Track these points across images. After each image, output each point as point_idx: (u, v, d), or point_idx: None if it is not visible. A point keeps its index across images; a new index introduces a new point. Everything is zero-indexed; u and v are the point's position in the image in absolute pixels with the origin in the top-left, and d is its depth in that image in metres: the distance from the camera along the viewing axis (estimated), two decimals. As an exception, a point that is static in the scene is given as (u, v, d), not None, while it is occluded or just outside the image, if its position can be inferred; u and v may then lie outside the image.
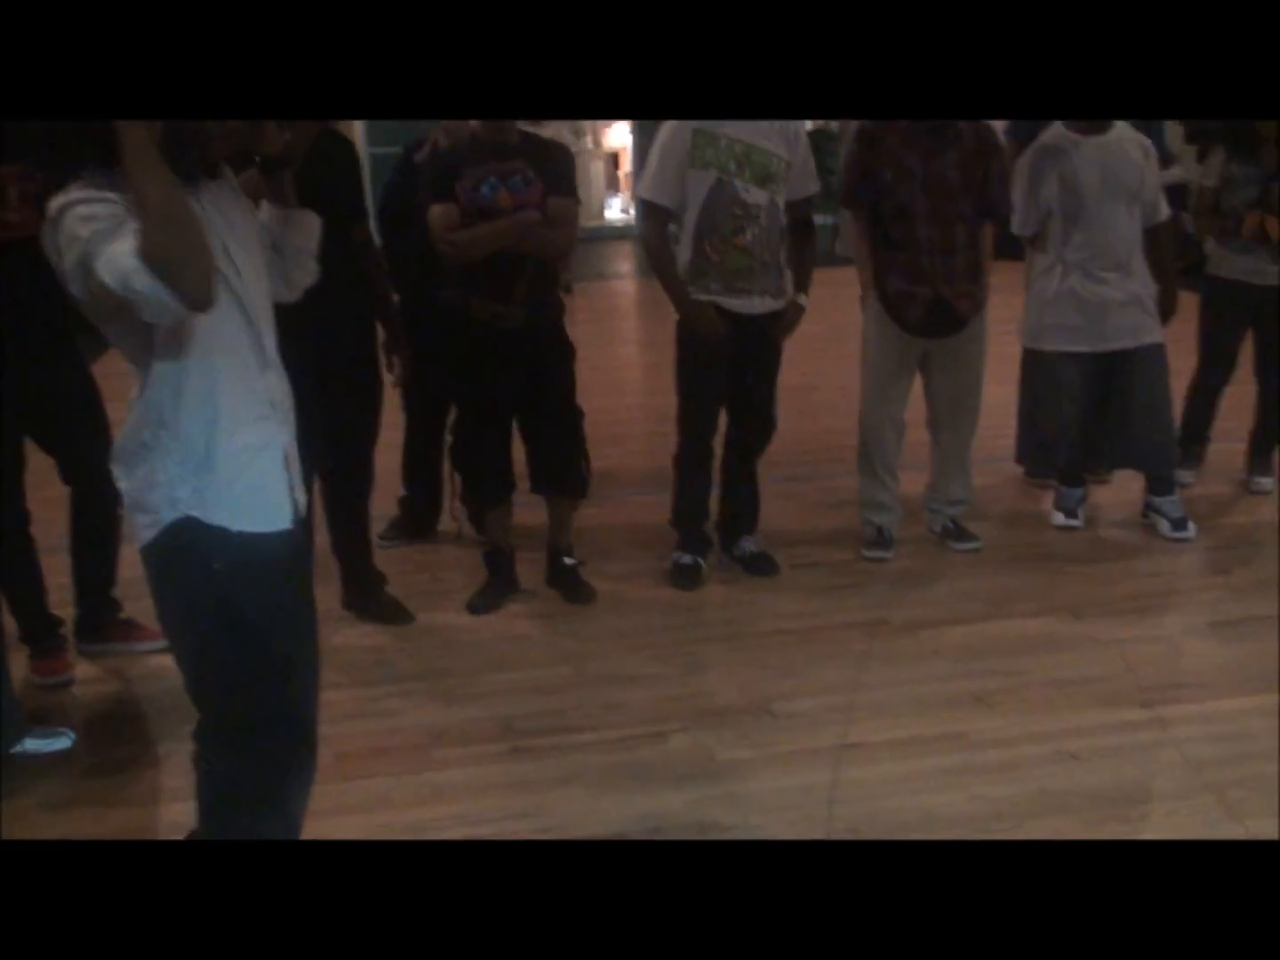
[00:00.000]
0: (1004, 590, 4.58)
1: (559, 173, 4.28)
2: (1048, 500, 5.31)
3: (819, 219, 5.03)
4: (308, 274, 2.61)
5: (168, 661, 4.07)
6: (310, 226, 2.58)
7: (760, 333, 4.52)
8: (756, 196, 4.40)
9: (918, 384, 4.89)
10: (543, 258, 4.25)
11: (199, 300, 2.07)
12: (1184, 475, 5.38)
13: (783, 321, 4.57)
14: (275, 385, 2.40)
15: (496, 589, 4.55)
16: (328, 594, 4.36)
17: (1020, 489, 5.67)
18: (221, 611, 2.33)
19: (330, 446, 4.11)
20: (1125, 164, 4.79)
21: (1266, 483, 5.51)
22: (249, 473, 2.32)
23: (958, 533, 4.98)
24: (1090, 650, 4.06)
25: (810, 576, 4.75)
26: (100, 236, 2.07)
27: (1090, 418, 4.98)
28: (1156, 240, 4.92)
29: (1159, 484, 5.10)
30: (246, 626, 2.35)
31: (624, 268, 13.17)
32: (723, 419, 4.72)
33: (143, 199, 2.02)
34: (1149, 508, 5.14)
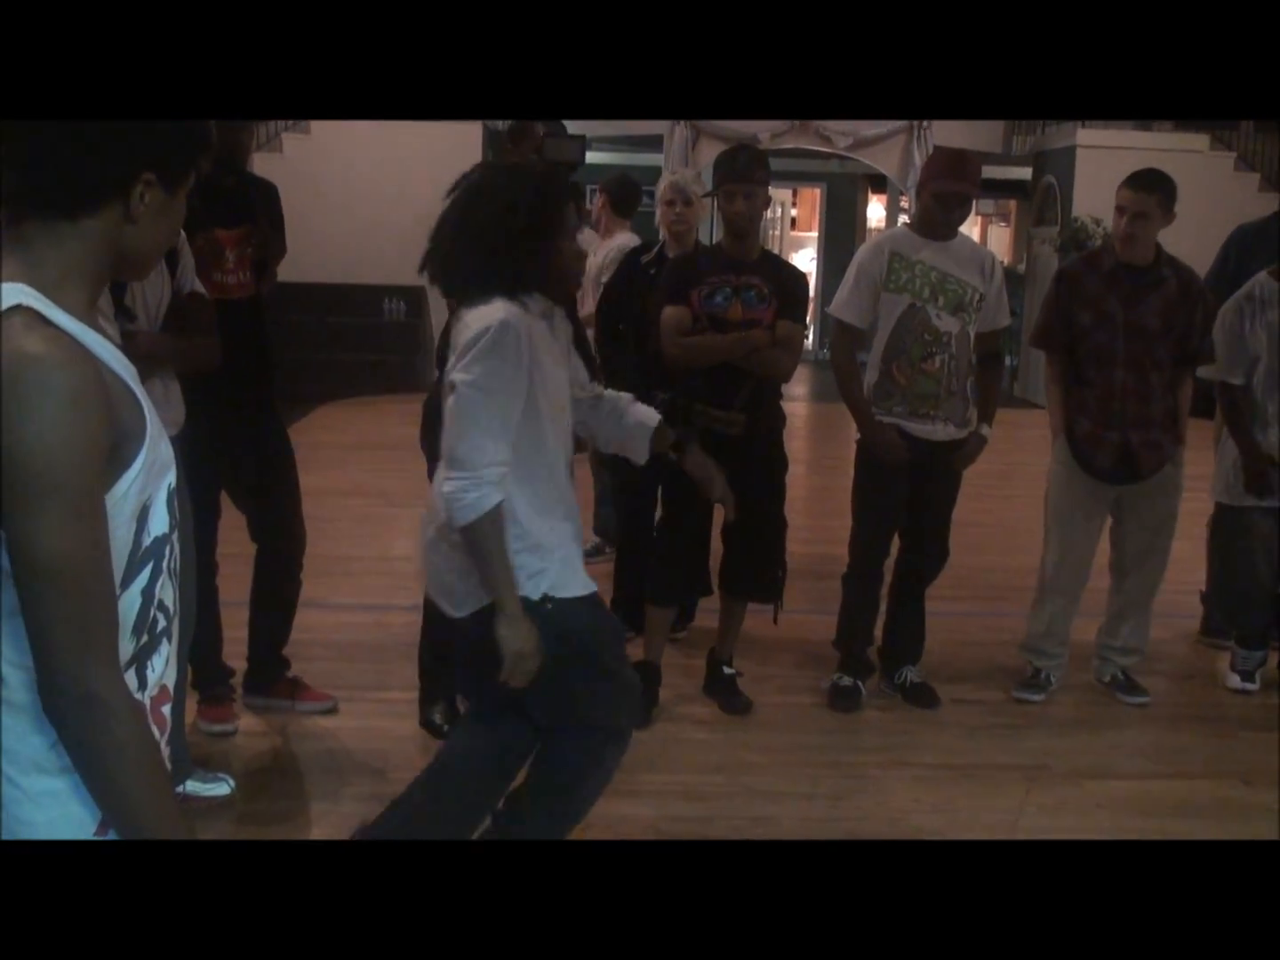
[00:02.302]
0: (1171, 748, 4.43)
1: (794, 296, 4.38)
2: (1222, 660, 5.14)
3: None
4: None
5: (327, 723, 4.22)
6: None
7: (941, 460, 4.50)
8: (948, 324, 4.41)
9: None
10: (763, 376, 4.31)
11: None
12: None
13: (964, 451, 4.54)
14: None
15: (645, 703, 4.40)
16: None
17: (1194, 646, 5.50)
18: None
19: None
20: None
21: None
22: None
23: (1127, 685, 4.83)
24: (1260, 820, 3.88)
25: (970, 713, 4.66)
26: (476, 446, 2.66)
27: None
28: None
29: None
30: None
31: (799, 390, 13.24)
32: (895, 544, 4.69)
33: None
34: None
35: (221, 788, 3.68)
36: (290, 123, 12.34)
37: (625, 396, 3.13)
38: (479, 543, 2.69)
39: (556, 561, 2.82)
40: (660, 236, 5.08)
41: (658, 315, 4.34)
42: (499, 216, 2.70)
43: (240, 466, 4.02)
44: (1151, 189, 4.44)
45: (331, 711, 4.30)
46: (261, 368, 4.08)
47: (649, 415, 3.09)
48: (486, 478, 2.64)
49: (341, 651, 4.88)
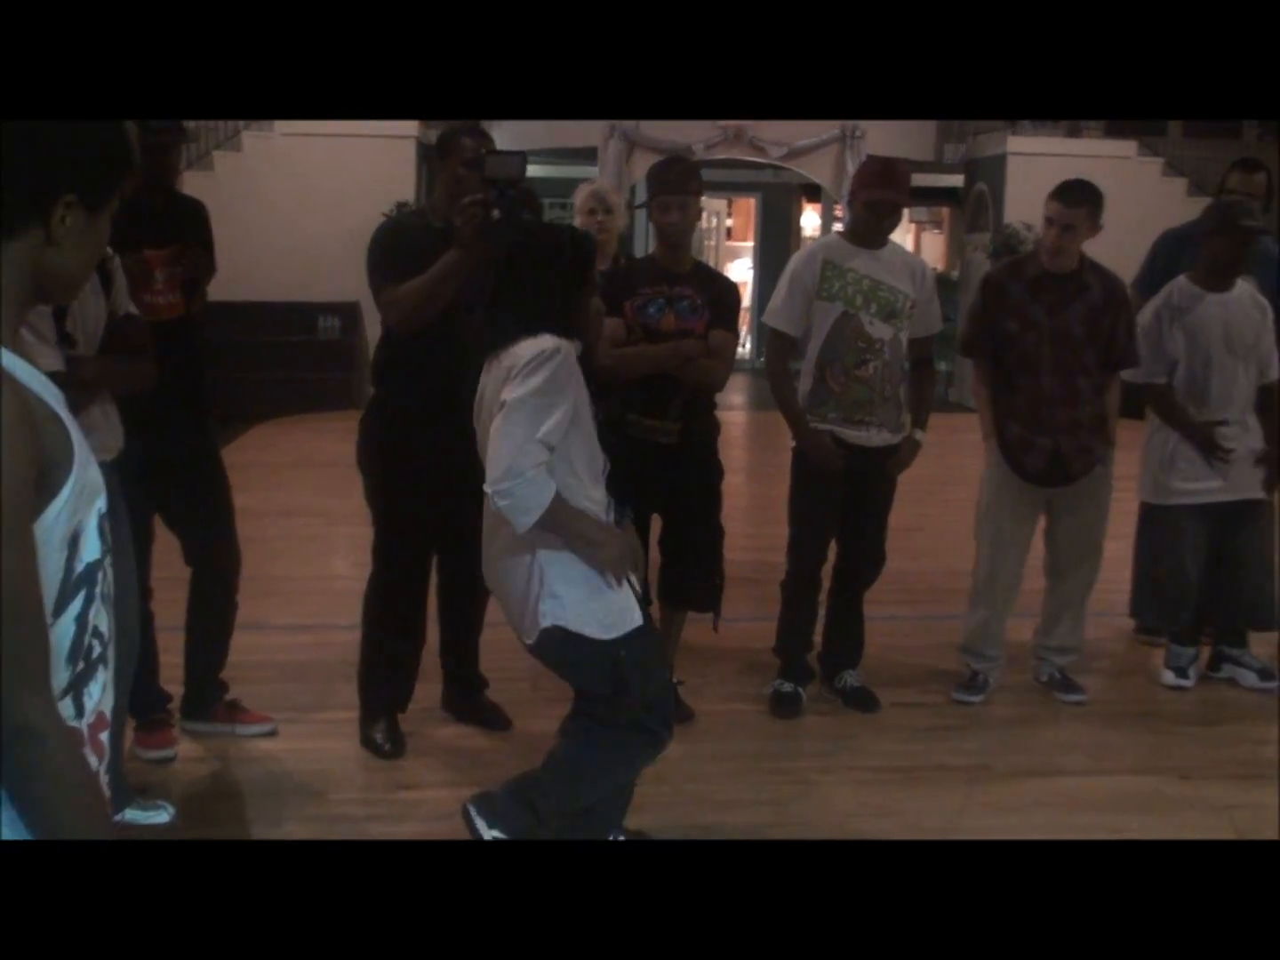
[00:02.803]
0: (1109, 745, 4.48)
1: (725, 305, 4.40)
2: (1158, 657, 5.20)
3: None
4: None
5: (267, 745, 4.18)
6: None
7: (876, 466, 4.53)
8: (881, 331, 4.44)
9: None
10: (697, 385, 4.32)
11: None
12: None
13: (899, 456, 4.58)
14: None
15: None
16: (431, 693, 4.40)
17: (1129, 644, 5.56)
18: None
19: (450, 552, 4.15)
20: (1246, 321, 4.81)
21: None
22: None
23: (1064, 684, 4.89)
24: (1197, 814, 3.94)
25: (911, 716, 4.69)
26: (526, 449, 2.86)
27: (1207, 575, 4.91)
28: (1269, 399, 4.91)
29: (1234, 636, 5.09)
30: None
31: (737, 399, 13.29)
32: (832, 550, 4.72)
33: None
34: (1223, 660, 5.12)
35: (161, 815, 3.63)
36: (222, 139, 12.26)
37: None
38: (554, 525, 2.94)
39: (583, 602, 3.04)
40: None
41: None
42: (544, 264, 3.02)
43: (173, 489, 3.96)
44: (1079, 202, 4.50)
45: (271, 734, 4.26)
46: (194, 388, 4.03)
47: None
48: (532, 477, 2.85)
49: (282, 672, 4.84)
